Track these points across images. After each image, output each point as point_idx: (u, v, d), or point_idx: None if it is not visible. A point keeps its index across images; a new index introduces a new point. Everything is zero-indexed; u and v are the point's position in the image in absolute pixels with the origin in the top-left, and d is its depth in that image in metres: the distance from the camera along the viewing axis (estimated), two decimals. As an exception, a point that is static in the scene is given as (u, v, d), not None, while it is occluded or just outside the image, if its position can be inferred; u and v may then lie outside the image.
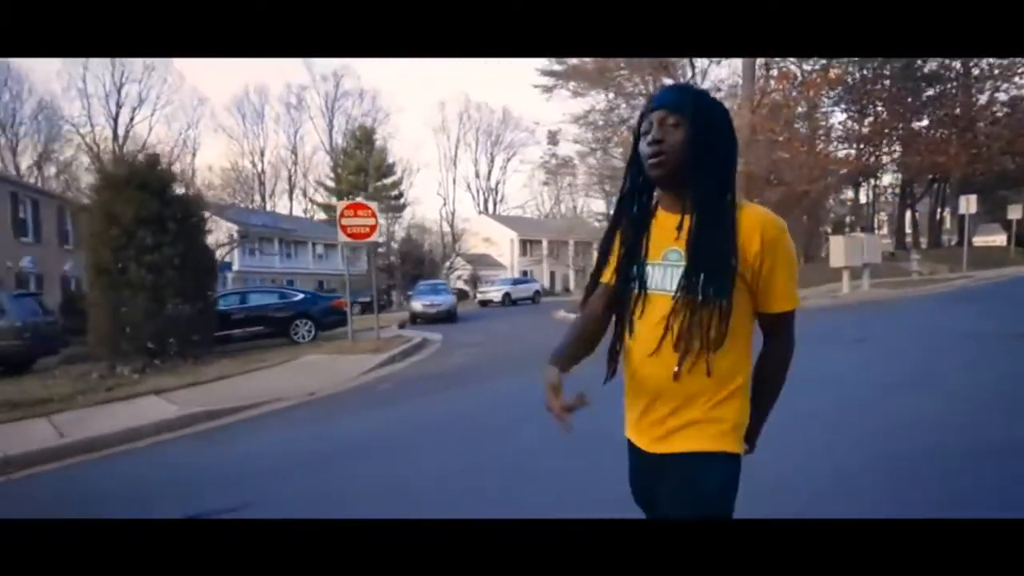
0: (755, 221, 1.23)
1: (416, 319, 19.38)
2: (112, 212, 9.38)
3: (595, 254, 1.54)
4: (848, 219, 36.36)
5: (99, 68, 39.49)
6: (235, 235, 30.65)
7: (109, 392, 7.74)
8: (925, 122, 25.45)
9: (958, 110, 24.98)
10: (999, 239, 27.90)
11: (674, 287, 1.24)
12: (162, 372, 9.20)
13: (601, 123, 28.39)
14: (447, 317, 19.37)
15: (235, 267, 30.71)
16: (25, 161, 36.53)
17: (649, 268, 1.29)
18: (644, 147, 1.27)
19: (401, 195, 46.31)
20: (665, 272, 1.27)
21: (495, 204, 55.09)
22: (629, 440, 1.39)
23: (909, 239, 31.02)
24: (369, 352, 9.98)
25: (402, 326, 17.92)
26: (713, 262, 1.21)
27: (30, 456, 5.17)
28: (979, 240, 27.21)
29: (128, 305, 9.44)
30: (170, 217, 9.77)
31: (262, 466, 4.56)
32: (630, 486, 1.42)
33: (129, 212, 9.31)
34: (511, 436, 4.63)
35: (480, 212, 52.08)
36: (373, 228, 11.24)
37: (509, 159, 63.03)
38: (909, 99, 25.18)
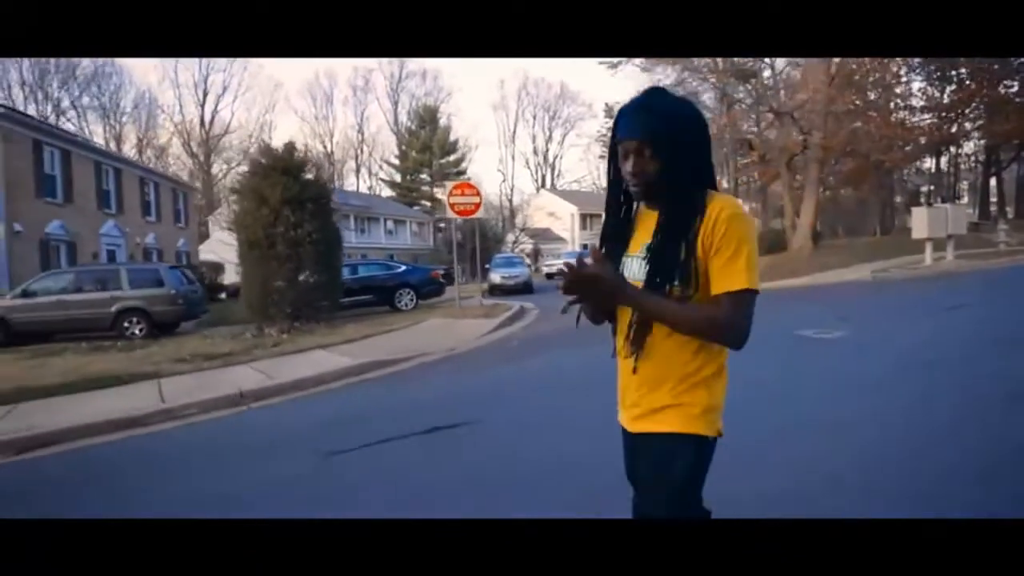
0: (713, 210, 1.28)
1: (495, 290, 20.51)
2: (262, 194, 10.80)
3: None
4: (924, 189, 35.09)
5: (189, 60, 42.11)
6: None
7: (276, 347, 9.18)
8: (1016, 88, 24.32)
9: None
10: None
11: (644, 277, 1.33)
12: (303, 333, 10.64)
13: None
14: (524, 288, 20.42)
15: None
16: (127, 147, 39.62)
17: (627, 260, 1.39)
18: (625, 173, 1.35)
19: (464, 172, 47.43)
20: (641, 264, 1.35)
21: (552, 179, 55.55)
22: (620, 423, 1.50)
23: (994, 209, 29.81)
24: (481, 317, 11.13)
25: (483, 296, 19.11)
26: (664, 252, 1.29)
27: (256, 392, 6.52)
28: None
29: (275, 275, 10.90)
30: (307, 197, 11.13)
31: (447, 399, 5.71)
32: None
33: (276, 194, 10.70)
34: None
35: (539, 187, 52.73)
36: (477, 205, 12.34)
37: (566, 134, 63.03)
38: (996, 65, 24.09)
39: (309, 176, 11.68)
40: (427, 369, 7.42)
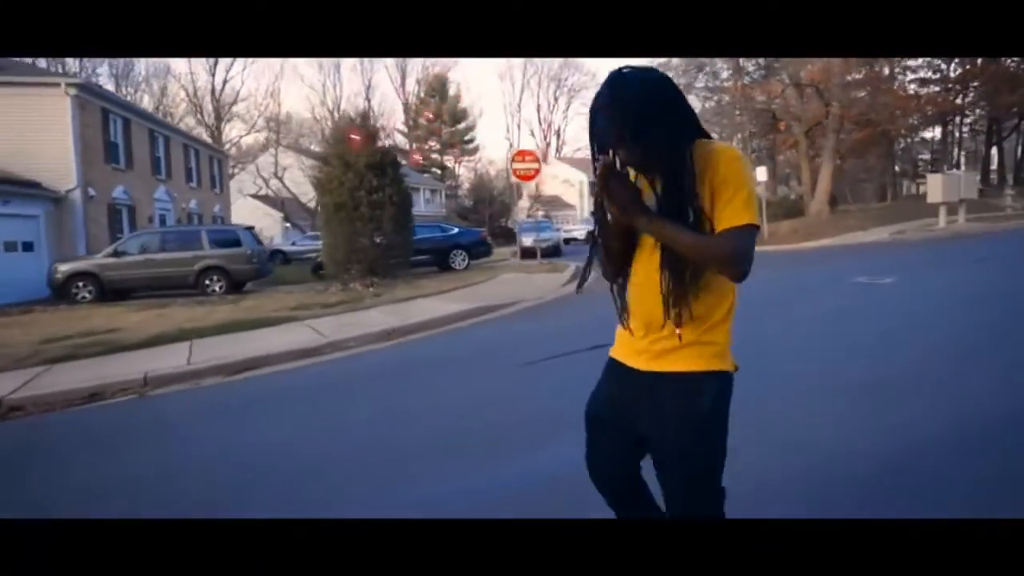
0: (714, 158, 1.34)
1: (527, 254, 21.57)
2: (347, 160, 11.71)
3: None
4: (925, 158, 36.22)
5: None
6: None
7: (378, 298, 10.23)
8: (1017, 60, 25.30)
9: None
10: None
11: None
12: (386, 288, 11.66)
13: (682, 69, 29.02)
14: (554, 251, 21.48)
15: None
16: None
17: None
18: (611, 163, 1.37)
19: (473, 140, 47.93)
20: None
21: (558, 147, 56.07)
22: (614, 360, 1.55)
23: (994, 177, 31.09)
24: (547, 272, 12.24)
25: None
26: (675, 208, 1.34)
27: (400, 329, 7.60)
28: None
29: (359, 234, 11.89)
30: (386, 163, 12.07)
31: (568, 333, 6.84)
32: (593, 407, 1.58)
33: (361, 160, 11.61)
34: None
35: (545, 156, 53.27)
36: (537, 171, 13.31)
37: (571, 103, 63.21)
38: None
39: (383, 144, 12.58)
40: (538, 310, 8.53)
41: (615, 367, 1.54)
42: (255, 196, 31.15)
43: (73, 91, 14.79)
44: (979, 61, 24.70)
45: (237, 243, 13.80)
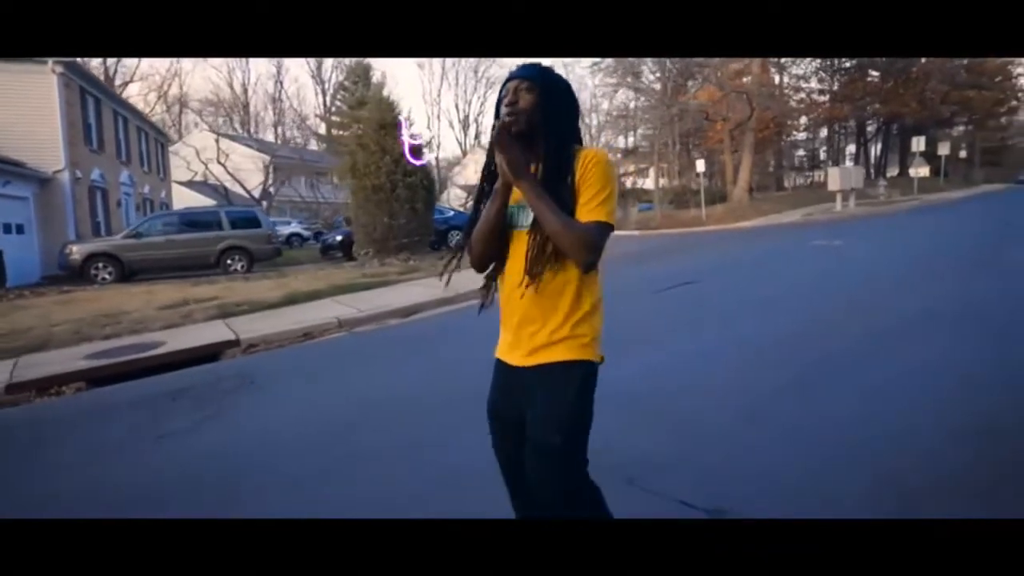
0: (586, 157, 1.46)
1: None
2: (383, 146, 12.81)
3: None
4: (800, 154, 42.43)
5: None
6: (267, 165, 32.35)
7: (435, 267, 11.56)
8: (881, 79, 31.04)
9: (914, 69, 30.70)
10: (924, 171, 34.71)
11: (529, 224, 1.46)
12: (419, 262, 12.92)
13: (611, 69, 31.69)
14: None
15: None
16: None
17: (514, 209, 1.51)
18: (503, 109, 1.48)
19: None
20: (525, 212, 1.48)
21: (476, 139, 57.58)
22: (498, 360, 1.64)
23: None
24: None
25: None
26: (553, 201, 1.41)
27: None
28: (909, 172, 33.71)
29: (396, 214, 13.05)
30: (418, 150, 13.28)
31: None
32: (489, 404, 1.65)
33: (397, 147, 12.76)
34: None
35: (463, 147, 54.60)
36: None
37: (487, 93, 64.75)
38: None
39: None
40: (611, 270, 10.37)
41: (498, 365, 1.64)
42: (185, 183, 29.57)
43: (59, 69, 14.28)
44: (856, 74, 29.94)
45: (256, 224, 14.24)
